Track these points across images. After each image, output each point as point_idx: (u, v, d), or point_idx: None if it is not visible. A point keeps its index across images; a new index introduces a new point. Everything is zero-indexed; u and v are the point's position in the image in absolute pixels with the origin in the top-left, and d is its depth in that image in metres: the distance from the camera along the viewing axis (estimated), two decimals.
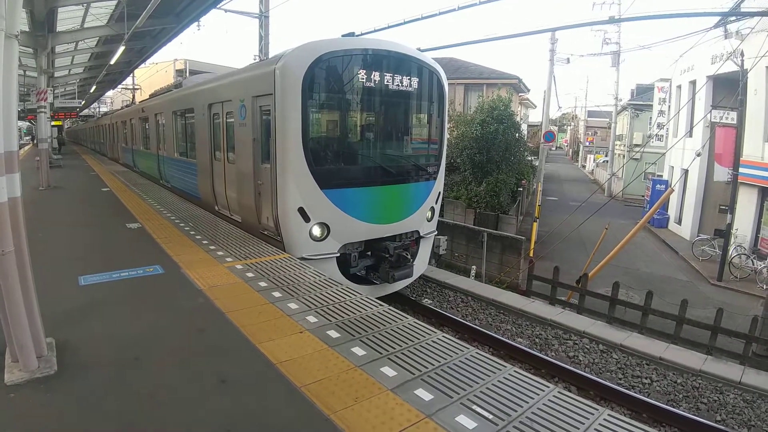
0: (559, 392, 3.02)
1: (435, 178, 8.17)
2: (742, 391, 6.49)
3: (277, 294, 4.62)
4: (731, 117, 14.98)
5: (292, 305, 4.33)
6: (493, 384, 3.08)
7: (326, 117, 7.28)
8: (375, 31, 11.52)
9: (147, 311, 4.16)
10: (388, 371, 3.19)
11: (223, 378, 3.06)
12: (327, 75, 6.65)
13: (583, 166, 51.54)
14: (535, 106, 41.53)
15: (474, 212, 16.71)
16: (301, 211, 6.56)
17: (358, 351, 3.47)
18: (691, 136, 17.70)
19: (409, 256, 7.76)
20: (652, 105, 27.08)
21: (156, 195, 10.98)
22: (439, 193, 8.45)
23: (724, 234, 14.16)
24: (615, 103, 33.34)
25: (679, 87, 21.62)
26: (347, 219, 6.89)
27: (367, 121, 7.52)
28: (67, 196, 11.19)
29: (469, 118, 18.63)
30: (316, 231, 6.74)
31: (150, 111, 14.14)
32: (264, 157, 7.10)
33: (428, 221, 8.26)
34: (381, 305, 4.49)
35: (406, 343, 3.64)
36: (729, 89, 14.68)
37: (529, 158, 23.53)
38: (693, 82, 19.29)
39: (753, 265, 13.66)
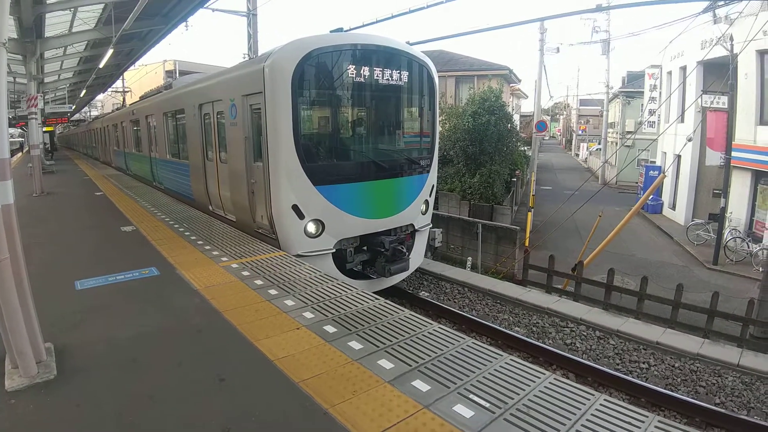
0: (555, 379, 3.05)
1: (428, 171, 8.18)
2: (741, 373, 6.53)
3: (273, 292, 4.63)
4: (722, 101, 15.06)
5: (289, 302, 4.35)
6: (489, 373, 3.11)
7: (317, 113, 7.26)
8: (363, 26, 11.54)
9: (144, 313, 4.17)
10: (386, 364, 3.22)
11: (222, 377, 3.08)
12: (316, 71, 6.62)
13: (577, 155, 51.68)
14: (527, 97, 41.57)
15: (468, 204, 16.74)
16: (295, 208, 6.57)
17: (355, 345, 3.49)
18: (682, 121, 17.78)
19: (404, 250, 7.79)
20: (643, 92, 27.16)
21: (149, 197, 10.95)
22: (433, 185, 8.46)
23: (718, 218, 14.26)
24: (606, 90, 33.42)
25: (670, 73, 21.67)
26: (342, 215, 6.90)
27: (358, 116, 7.51)
28: (61, 202, 11.14)
29: (461, 110, 18.62)
30: (311, 228, 6.74)
31: (141, 113, 14.06)
32: (256, 156, 7.09)
33: (423, 214, 8.28)
34: (377, 299, 4.51)
35: (403, 336, 3.67)
36: (719, 74, 14.74)
37: (522, 148, 23.57)
38: (683, 68, 19.35)
39: (748, 248, 13.76)
